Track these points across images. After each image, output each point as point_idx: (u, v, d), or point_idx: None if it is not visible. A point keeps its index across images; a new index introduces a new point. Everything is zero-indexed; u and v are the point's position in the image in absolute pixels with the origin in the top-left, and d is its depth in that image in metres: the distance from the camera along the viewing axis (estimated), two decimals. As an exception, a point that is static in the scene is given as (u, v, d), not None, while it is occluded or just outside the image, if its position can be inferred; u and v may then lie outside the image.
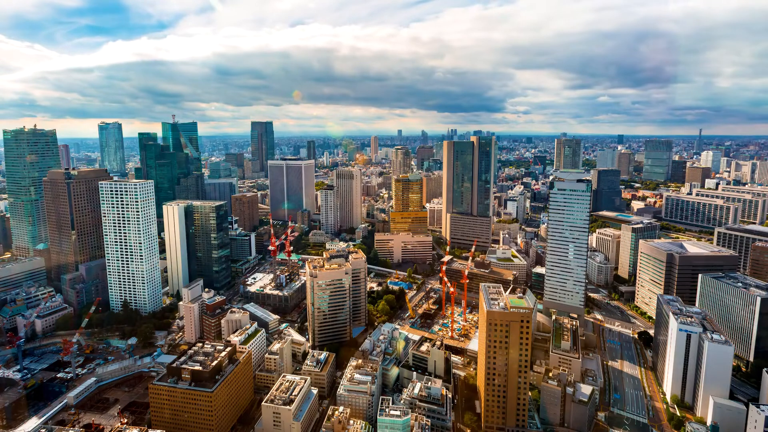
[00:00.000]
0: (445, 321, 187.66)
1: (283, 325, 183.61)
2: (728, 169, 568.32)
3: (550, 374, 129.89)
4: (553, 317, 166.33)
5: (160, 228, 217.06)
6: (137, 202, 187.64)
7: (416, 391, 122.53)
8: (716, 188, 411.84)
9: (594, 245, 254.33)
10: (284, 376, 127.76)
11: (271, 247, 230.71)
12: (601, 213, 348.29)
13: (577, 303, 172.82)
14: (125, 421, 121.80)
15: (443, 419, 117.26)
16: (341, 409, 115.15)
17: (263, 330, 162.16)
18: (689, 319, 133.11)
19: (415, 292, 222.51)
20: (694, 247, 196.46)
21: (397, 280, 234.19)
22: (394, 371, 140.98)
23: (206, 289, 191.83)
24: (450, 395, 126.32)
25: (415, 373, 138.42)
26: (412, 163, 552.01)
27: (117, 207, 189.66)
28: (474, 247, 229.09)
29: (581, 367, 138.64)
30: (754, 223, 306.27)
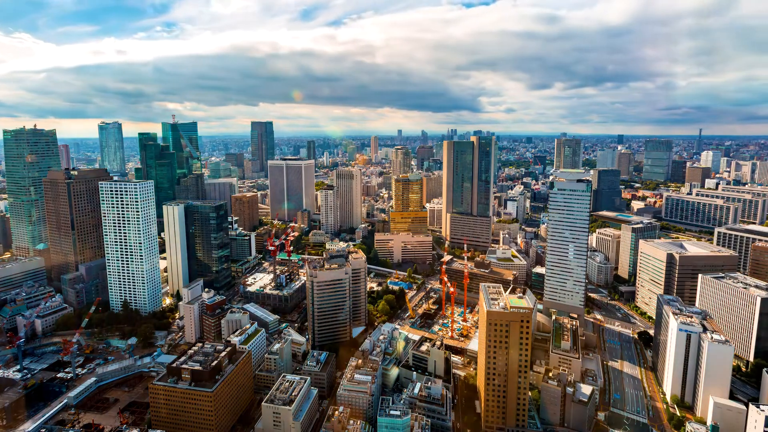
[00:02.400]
0: (445, 321, 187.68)
1: (283, 325, 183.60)
2: (728, 169, 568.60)
3: (550, 374, 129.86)
4: (553, 317, 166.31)
5: (160, 228, 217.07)
6: (137, 202, 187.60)
7: (416, 391, 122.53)
8: (716, 188, 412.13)
9: (594, 245, 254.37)
10: (284, 376, 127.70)
11: (270, 247, 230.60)
12: (601, 213, 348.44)
13: (577, 303, 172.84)
14: (125, 421, 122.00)
15: (443, 419, 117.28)
16: (341, 409, 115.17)
17: (263, 330, 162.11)
18: (689, 319, 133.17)
19: (415, 292, 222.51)
20: (694, 247, 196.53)
21: (397, 280, 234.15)
22: (394, 371, 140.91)
23: (206, 289, 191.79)
24: (450, 395, 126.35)
25: (415, 373, 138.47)
26: (412, 163, 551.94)
27: (117, 207, 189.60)
28: (465, 245, 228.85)
29: (581, 367, 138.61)
30: (754, 223, 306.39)
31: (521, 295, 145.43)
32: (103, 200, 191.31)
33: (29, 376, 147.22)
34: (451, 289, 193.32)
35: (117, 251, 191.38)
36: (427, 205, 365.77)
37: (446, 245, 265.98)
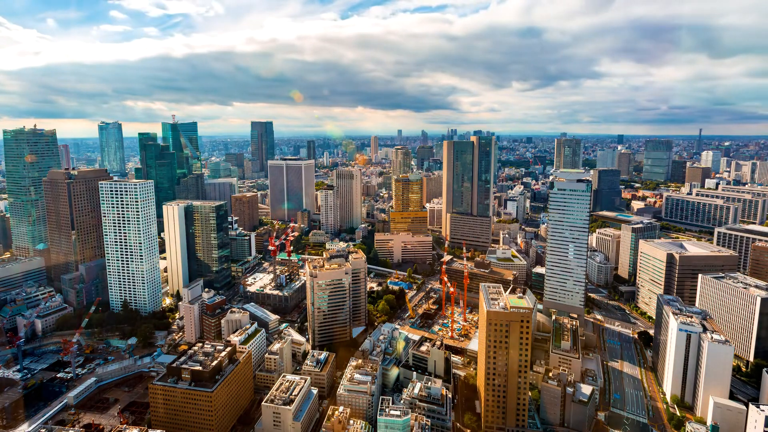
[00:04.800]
0: (445, 321, 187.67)
1: (283, 325, 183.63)
2: (728, 169, 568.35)
3: (550, 374, 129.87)
4: (553, 317, 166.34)
5: (160, 228, 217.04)
6: (137, 202, 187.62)
7: (416, 391, 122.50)
8: (716, 188, 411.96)
9: (594, 245, 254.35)
10: (284, 376, 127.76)
11: (270, 247, 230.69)
12: (601, 213, 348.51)
13: (577, 303, 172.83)
14: (125, 421, 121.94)
15: (443, 419, 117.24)
16: (341, 409, 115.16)
17: (263, 330, 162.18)
18: (689, 319, 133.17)
19: (415, 292, 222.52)
20: (694, 247, 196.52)
21: (397, 280, 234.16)
22: (394, 371, 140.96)
23: (206, 289, 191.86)
24: (450, 395, 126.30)
25: (415, 373, 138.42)
26: (412, 163, 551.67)
27: (117, 207, 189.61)
28: (464, 247, 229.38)
29: (581, 367, 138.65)
30: (754, 223, 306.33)
31: (521, 295, 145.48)
32: (103, 200, 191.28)
33: (29, 376, 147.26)
34: (451, 289, 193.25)
35: (117, 251, 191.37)
36: (427, 205, 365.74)
37: (446, 245, 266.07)
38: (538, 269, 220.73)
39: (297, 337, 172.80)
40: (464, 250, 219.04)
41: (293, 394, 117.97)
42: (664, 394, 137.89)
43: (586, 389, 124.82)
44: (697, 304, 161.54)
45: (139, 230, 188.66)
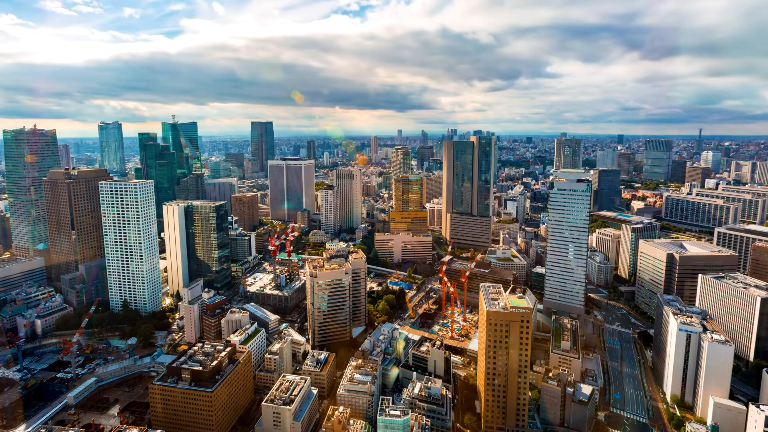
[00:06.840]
0: (445, 321, 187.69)
1: (283, 325, 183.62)
2: (728, 169, 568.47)
3: (550, 374, 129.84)
4: (553, 317, 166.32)
5: (160, 228, 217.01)
6: (137, 202, 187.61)
7: (416, 391, 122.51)
8: (716, 188, 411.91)
9: (594, 245, 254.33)
10: (284, 376, 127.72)
11: (270, 247, 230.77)
12: (601, 213, 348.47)
13: (577, 303, 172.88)
14: (125, 421, 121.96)
15: (443, 419, 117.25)
16: (341, 409, 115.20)
17: (263, 330, 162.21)
18: (689, 319, 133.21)
19: (415, 292, 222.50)
20: (694, 247, 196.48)
21: (397, 280, 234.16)
22: (394, 371, 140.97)
23: (206, 289, 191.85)
24: (450, 395, 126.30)
25: (415, 373, 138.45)
26: (412, 163, 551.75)
27: (117, 207, 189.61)
28: (471, 253, 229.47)
29: (581, 367, 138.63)
30: (754, 223, 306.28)
31: (521, 295, 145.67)
32: (103, 200, 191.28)
33: (29, 376, 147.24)
34: (451, 289, 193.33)
35: (117, 251, 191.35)
36: (427, 205, 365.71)
37: (449, 248, 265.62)
38: (538, 269, 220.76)
39: (297, 337, 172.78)
40: (471, 252, 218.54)
41: (293, 394, 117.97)
42: (664, 394, 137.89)
43: (586, 389, 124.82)
44: (697, 304, 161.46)
45: (139, 230, 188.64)
